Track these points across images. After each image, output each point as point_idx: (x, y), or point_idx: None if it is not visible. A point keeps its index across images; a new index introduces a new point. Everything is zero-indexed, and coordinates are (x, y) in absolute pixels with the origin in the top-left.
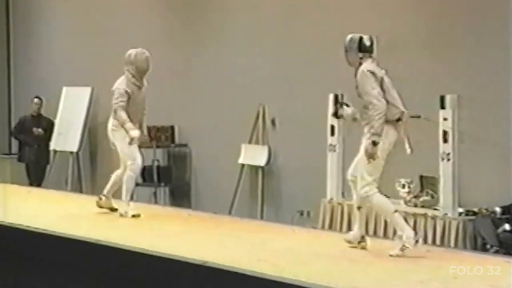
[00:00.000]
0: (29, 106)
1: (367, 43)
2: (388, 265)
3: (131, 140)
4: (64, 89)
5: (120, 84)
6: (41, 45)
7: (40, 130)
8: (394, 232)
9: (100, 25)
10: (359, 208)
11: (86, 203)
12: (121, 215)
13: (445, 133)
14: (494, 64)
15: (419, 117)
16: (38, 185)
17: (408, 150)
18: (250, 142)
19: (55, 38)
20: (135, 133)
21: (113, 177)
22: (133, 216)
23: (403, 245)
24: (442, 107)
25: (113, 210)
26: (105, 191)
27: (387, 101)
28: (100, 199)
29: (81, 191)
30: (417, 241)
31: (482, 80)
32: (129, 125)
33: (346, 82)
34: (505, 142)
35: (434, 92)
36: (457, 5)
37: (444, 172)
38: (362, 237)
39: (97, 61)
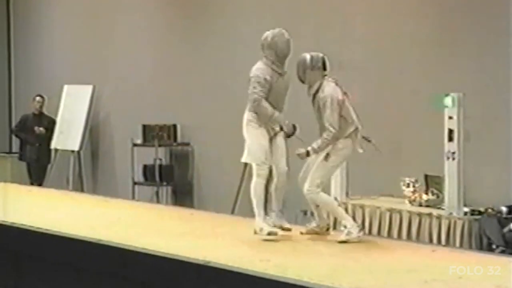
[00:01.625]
0: (30, 104)
1: (327, 62)
2: (392, 265)
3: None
4: (65, 87)
5: (258, 70)
6: (42, 42)
7: (41, 128)
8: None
9: (102, 22)
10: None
11: (87, 202)
12: (255, 233)
13: (450, 131)
14: (500, 62)
15: (369, 141)
16: (39, 184)
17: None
18: None
19: (56, 35)
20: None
21: (272, 192)
22: (269, 234)
23: (349, 231)
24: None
25: (285, 230)
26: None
27: (344, 118)
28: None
29: (82, 190)
30: (360, 229)
31: (488, 79)
32: (278, 115)
33: (349, 80)
34: (511, 140)
35: (440, 90)
36: (463, 3)
37: (449, 171)
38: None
39: (98, 59)
